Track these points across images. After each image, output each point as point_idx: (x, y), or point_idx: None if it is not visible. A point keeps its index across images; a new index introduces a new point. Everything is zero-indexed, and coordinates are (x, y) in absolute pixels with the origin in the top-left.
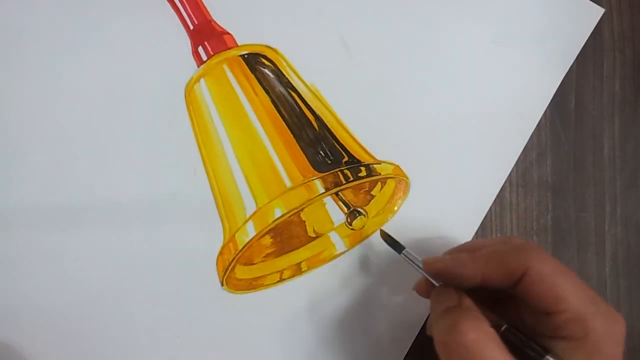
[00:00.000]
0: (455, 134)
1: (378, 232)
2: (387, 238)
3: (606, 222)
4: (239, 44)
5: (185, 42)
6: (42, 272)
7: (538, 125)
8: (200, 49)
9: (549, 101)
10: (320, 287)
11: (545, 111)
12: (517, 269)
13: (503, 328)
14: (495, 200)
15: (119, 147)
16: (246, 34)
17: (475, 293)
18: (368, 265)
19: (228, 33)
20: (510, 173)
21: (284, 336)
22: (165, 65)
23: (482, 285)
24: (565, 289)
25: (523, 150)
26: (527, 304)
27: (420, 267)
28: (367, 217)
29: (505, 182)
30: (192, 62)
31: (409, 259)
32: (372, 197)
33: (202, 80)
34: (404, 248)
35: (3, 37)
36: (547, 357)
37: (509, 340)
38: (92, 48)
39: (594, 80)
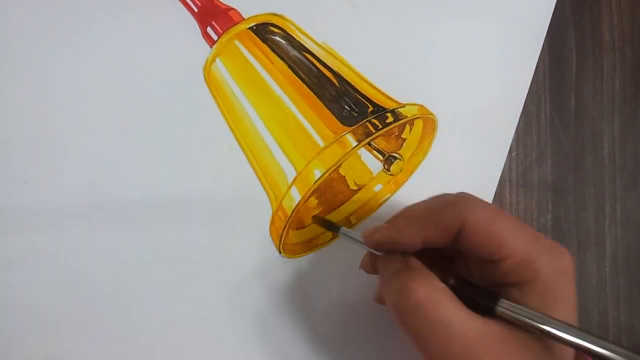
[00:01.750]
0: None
1: (416, 172)
2: (321, 221)
3: (606, 222)
4: (245, 18)
5: (193, 26)
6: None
7: (538, 125)
8: (209, 29)
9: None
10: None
11: (545, 111)
12: (454, 224)
13: (452, 281)
14: (495, 200)
15: (149, 142)
16: (250, 5)
17: (422, 256)
18: None
19: (233, 8)
20: (510, 173)
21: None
22: (178, 53)
23: (425, 246)
24: (505, 233)
25: (523, 150)
26: (472, 256)
27: (361, 242)
28: (403, 160)
29: (505, 182)
30: (204, 44)
31: (348, 236)
32: (404, 140)
33: (217, 59)
34: (340, 227)
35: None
36: (500, 301)
37: (460, 293)
38: (98, 44)
39: (594, 80)
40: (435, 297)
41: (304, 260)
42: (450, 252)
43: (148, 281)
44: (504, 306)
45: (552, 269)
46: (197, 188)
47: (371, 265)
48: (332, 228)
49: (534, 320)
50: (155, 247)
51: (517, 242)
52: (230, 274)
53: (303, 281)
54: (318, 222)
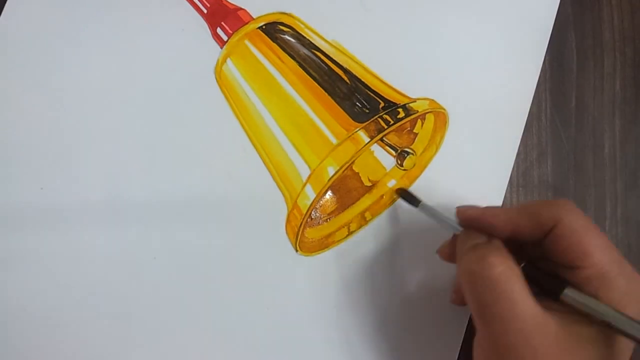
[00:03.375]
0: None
1: (428, 167)
2: (403, 193)
3: (606, 222)
4: (254, 17)
5: (203, 27)
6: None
7: (538, 125)
8: (218, 30)
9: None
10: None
11: (546, 111)
12: (548, 221)
13: (523, 264)
14: (494, 201)
15: (161, 144)
16: (259, 5)
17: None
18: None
19: (241, 8)
20: (510, 173)
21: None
22: (189, 54)
23: (511, 236)
24: (593, 245)
25: (523, 150)
26: (552, 257)
27: (442, 219)
28: (416, 154)
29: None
30: (215, 45)
31: (429, 210)
32: (416, 135)
33: (228, 60)
34: (420, 201)
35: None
36: (568, 287)
37: (529, 277)
38: (107, 47)
39: (594, 80)
40: (509, 274)
41: (321, 258)
42: (526, 246)
43: (164, 282)
44: (571, 293)
45: (626, 291)
46: (211, 189)
47: (450, 252)
48: (413, 202)
49: (599, 311)
50: (170, 248)
51: (602, 257)
52: (247, 274)
53: (322, 279)
54: (400, 194)
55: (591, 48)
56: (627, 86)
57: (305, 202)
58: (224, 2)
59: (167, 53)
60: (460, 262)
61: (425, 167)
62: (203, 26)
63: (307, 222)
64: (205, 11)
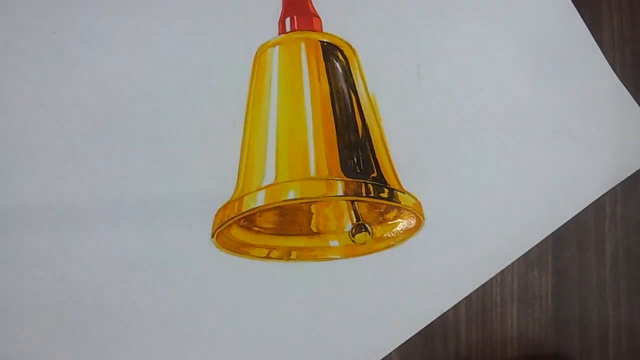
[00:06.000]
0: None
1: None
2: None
3: (606, 222)
4: (323, 31)
5: (277, 7)
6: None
7: None
8: (287, 19)
9: None
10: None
11: None
12: None
13: None
14: None
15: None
16: (332, 24)
17: None
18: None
19: (318, 17)
20: None
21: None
22: (248, 21)
23: None
24: None
25: None
26: None
27: None
28: (371, 236)
29: None
30: (273, 28)
31: None
32: (384, 220)
33: (276, 47)
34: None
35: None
36: None
37: None
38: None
39: None
40: None
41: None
42: None
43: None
44: None
45: None
46: (186, 143)
47: None
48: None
49: None
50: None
51: None
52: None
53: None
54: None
55: None
56: (626, 86)
57: (250, 203)
58: (309, 2)
59: (231, 8)
60: None
61: (370, 252)
62: (277, 6)
63: (239, 221)
64: None
